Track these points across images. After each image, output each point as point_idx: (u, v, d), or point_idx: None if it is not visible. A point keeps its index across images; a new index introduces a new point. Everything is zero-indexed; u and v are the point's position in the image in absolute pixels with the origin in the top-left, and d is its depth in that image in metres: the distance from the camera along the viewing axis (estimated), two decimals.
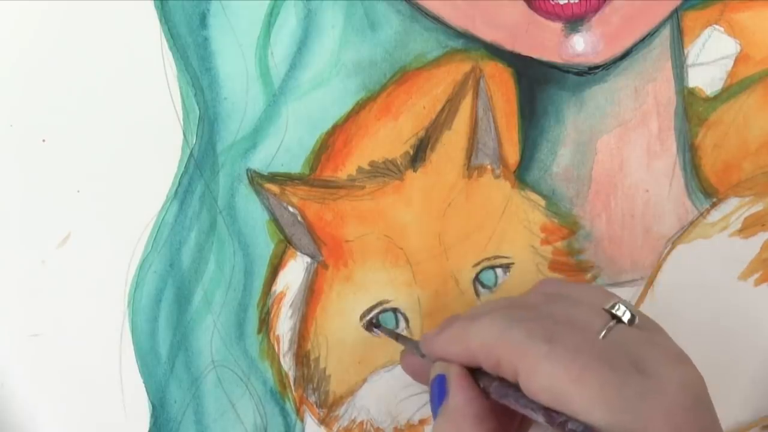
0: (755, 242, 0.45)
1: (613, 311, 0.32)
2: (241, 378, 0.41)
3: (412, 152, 0.40)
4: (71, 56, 0.36)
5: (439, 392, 0.34)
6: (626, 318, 0.32)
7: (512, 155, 0.41)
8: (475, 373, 0.33)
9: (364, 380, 0.42)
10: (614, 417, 0.28)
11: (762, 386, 0.47)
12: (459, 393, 0.33)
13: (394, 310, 0.42)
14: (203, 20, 0.37)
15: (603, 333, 0.31)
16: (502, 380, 0.32)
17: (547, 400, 0.29)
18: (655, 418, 0.28)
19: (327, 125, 0.39)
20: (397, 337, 0.40)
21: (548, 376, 0.29)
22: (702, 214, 0.44)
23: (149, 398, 0.39)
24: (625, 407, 0.28)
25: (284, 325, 0.41)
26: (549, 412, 0.30)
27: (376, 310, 0.41)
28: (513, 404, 0.31)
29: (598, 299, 0.33)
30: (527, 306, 0.34)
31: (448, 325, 0.35)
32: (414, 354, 0.37)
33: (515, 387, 0.31)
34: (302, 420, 0.42)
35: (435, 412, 0.34)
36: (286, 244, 0.40)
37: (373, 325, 0.41)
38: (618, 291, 0.44)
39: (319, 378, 0.42)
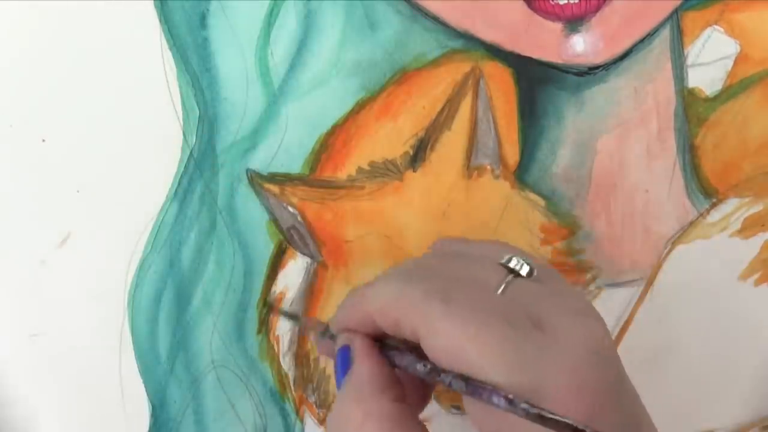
0: (755, 242, 0.45)
1: (510, 265, 0.31)
2: (241, 378, 0.41)
3: (411, 152, 0.40)
4: (71, 56, 0.36)
5: (342, 363, 0.32)
6: (524, 271, 0.31)
7: (512, 155, 0.41)
8: (382, 344, 0.32)
9: None
10: (513, 375, 0.27)
11: (762, 386, 0.47)
12: (362, 363, 0.31)
13: None
14: (203, 20, 0.37)
15: (501, 288, 0.30)
16: (406, 348, 0.31)
17: (448, 360, 0.28)
18: (555, 376, 0.27)
19: (327, 125, 0.39)
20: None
21: (446, 336, 0.28)
22: (702, 215, 0.44)
23: (149, 398, 0.39)
24: (523, 365, 0.27)
25: (284, 325, 0.41)
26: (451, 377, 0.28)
27: None
28: (416, 371, 0.30)
29: (495, 254, 0.32)
30: (424, 266, 0.33)
31: (348, 296, 0.33)
32: (324, 336, 0.35)
33: (415, 353, 0.30)
34: (302, 420, 0.42)
35: (339, 383, 0.32)
36: (286, 244, 0.40)
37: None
38: (618, 291, 0.44)
39: (319, 378, 0.42)
